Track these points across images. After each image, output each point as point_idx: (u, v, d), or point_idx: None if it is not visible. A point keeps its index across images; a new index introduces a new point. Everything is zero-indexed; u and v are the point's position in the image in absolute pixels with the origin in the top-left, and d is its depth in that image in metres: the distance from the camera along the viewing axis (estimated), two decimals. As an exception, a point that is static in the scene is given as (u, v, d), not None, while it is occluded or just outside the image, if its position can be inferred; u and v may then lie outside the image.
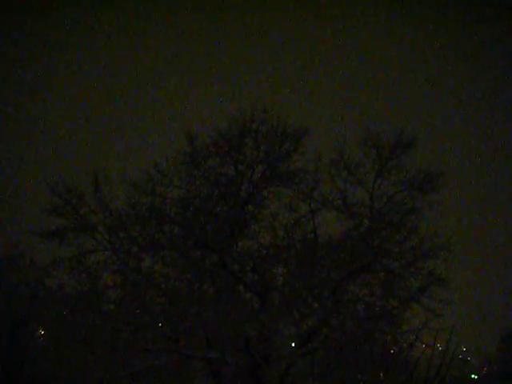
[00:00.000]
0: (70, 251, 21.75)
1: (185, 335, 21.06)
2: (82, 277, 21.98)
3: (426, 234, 21.21)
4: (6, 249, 40.68)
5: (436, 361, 26.77)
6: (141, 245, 20.93)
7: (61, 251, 22.02)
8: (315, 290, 21.22)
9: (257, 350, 21.24)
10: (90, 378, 22.22)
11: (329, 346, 21.63)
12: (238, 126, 20.84)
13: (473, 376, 57.30)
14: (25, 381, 36.07)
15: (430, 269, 21.29)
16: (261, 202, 21.52)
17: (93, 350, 21.86)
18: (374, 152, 21.73)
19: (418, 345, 23.95)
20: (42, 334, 38.07)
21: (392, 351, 23.74)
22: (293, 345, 22.64)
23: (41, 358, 33.75)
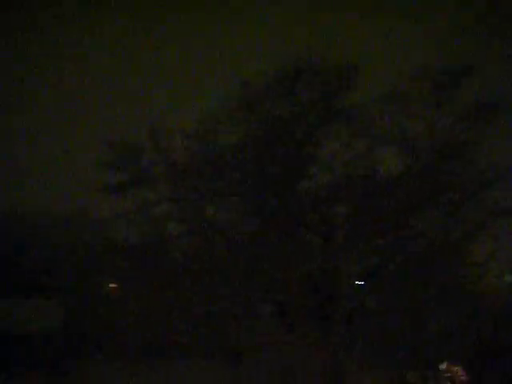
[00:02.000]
0: (132, 203, 22.23)
1: (252, 279, 21.38)
2: (146, 229, 22.46)
3: (486, 165, 20.89)
4: (69, 206, 41.86)
5: (503, 293, 26.62)
6: (202, 193, 21.23)
7: (123, 205, 22.54)
8: (377, 227, 21.18)
9: (323, 290, 21.49)
10: (159, 327, 22.92)
11: (394, 282, 21.67)
12: (290, 67, 20.65)
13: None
14: (97, 335, 37.55)
15: (493, 199, 20.99)
16: (318, 143, 21.44)
17: (161, 299, 22.50)
18: (430, 84, 21.22)
19: (485, 277, 23.82)
20: (111, 288, 39.41)
21: (457, 285, 23.63)
22: (358, 283, 22.77)
23: (112, 312, 35.05)
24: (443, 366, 24.56)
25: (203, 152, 21.28)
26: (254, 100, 20.93)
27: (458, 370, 24.82)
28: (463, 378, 25.00)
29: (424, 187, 20.59)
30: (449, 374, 21.96)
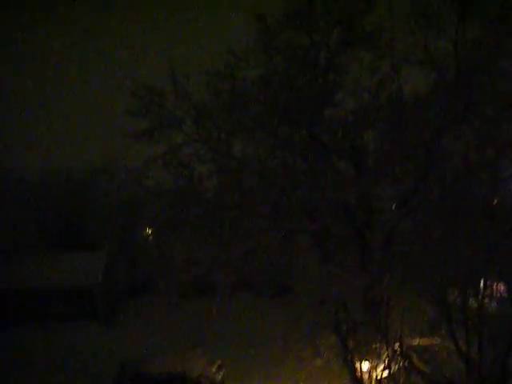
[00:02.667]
0: (161, 149, 22.34)
1: (286, 211, 21.44)
2: (177, 171, 22.59)
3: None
4: (100, 158, 42.41)
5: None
6: (229, 130, 21.16)
7: (152, 151, 22.67)
8: (408, 150, 20.90)
9: (358, 217, 21.46)
10: (196, 267, 23.28)
11: (429, 204, 21.48)
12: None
13: None
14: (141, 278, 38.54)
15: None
16: (341, 68, 21.07)
17: (198, 239, 22.78)
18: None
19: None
20: (150, 233, 40.21)
21: (493, 201, 23.33)
22: (393, 208, 22.67)
23: (151, 256, 35.93)
24: (483, 284, 24.51)
25: (227, 89, 21.13)
26: (272, 32, 20.59)
27: (500, 286, 24.73)
28: (504, 294, 24.92)
29: (454, 104, 20.10)
30: (489, 291, 21.82)
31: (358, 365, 17.72)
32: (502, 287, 24.63)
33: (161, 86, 21.81)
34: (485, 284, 20.13)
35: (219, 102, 21.07)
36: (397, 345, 14.34)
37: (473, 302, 17.65)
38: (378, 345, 19.58)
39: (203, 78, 21.32)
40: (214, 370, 27.50)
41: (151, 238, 40.50)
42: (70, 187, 44.43)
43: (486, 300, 18.24)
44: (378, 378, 15.54)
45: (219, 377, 27.46)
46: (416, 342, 18.56)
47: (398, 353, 15.15)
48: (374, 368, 19.20)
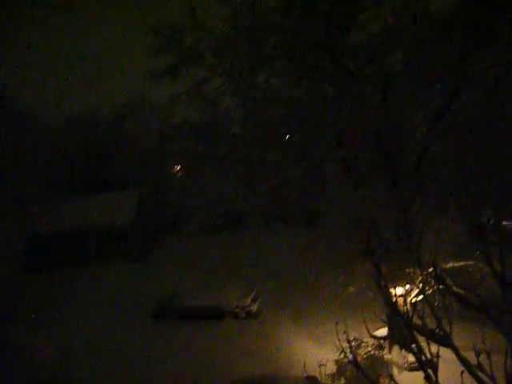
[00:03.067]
0: (185, 85, 22.19)
1: (314, 140, 21.22)
2: (201, 107, 22.44)
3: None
4: (126, 98, 42.31)
5: None
6: (252, 61, 20.79)
7: (177, 89, 22.55)
8: (436, 71, 20.28)
9: (387, 141, 21.12)
10: (226, 201, 23.34)
11: (460, 124, 21.00)
12: None
13: None
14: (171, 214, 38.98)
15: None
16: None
17: (227, 173, 22.76)
18: None
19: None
20: (178, 170, 40.36)
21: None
22: (423, 130, 22.22)
23: (181, 193, 36.14)
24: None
25: (247, 19, 20.66)
26: None
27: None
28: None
29: (484, 18, 19.29)
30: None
31: (392, 290, 17.78)
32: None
33: (181, 22, 21.51)
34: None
35: (240, 33, 20.65)
36: (430, 269, 14.26)
37: (507, 223, 17.43)
38: (411, 269, 19.62)
39: (223, 10, 20.90)
40: (249, 301, 28.01)
41: (180, 174, 40.74)
42: (99, 130, 44.66)
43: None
44: (413, 302, 15.58)
45: (254, 308, 27.99)
46: (450, 264, 18.51)
47: (431, 276, 15.10)
48: (408, 293, 19.28)
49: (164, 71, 22.01)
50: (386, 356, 21.39)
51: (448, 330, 11.85)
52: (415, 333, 12.52)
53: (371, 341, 20.97)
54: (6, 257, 25.79)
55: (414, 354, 12.19)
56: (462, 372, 10.92)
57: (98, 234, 36.91)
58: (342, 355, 17.25)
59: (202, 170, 24.47)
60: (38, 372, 21.90)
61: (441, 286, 14.52)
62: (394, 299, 14.23)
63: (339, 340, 13.38)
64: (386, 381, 16.09)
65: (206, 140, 23.07)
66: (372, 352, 20.51)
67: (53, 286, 32.59)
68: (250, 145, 21.71)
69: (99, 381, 23.43)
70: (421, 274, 14.96)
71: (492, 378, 10.66)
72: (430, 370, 11.41)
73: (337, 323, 14.05)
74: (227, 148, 22.32)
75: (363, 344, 20.32)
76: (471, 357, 10.95)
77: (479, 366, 10.87)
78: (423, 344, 11.92)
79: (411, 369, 21.17)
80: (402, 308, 15.06)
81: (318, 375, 14.96)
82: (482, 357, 10.82)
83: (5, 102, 40.51)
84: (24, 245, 28.42)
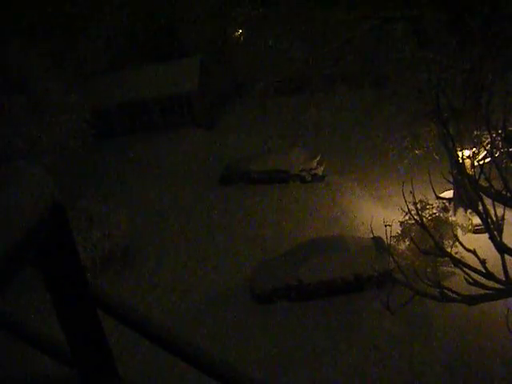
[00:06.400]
0: None
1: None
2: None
3: None
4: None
5: None
6: None
7: None
8: None
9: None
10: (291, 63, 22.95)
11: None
12: None
13: None
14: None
15: None
16: None
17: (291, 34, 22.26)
18: None
19: None
20: (241, 34, 39.80)
21: None
22: None
23: (244, 57, 35.84)
24: None
25: None
26: None
27: None
28: None
29: None
30: None
31: (459, 153, 17.66)
32: None
33: None
34: None
35: None
36: (499, 131, 14.01)
37: None
38: (479, 132, 19.30)
39: None
40: (314, 164, 28.31)
41: (242, 39, 39.96)
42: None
43: None
44: (480, 164, 15.48)
45: (320, 171, 28.32)
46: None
47: (500, 138, 14.87)
48: (475, 155, 19.11)
49: None
50: (450, 218, 21.64)
51: (515, 191, 11.86)
52: (481, 194, 12.58)
53: (436, 203, 21.16)
54: (74, 130, 26.35)
55: (480, 216, 12.32)
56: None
57: (161, 103, 37.15)
58: (408, 216, 17.64)
59: (265, 33, 24.02)
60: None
61: (510, 149, 14.33)
62: (461, 161, 14.13)
63: (405, 201, 13.59)
64: (450, 242, 16.38)
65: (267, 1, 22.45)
66: (437, 214, 20.76)
67: (120, 155, 33.36)
68: (314, 4, 21.04)
69: (168, 245, 24.66)
70: (489, 136, 14.72)
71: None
72: (495, 232, 11.57)
73: (403, 183, 14.21)
74: (290, 8, 21.71)
75: (428, 206, 20.55)
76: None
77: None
78: (489, 207, 12.00)
79: (475, 231, 21.43)
80: (468, 170, 15.05)
81: (383, 236, 15.32)
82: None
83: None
84: (90, 117, 28.96)
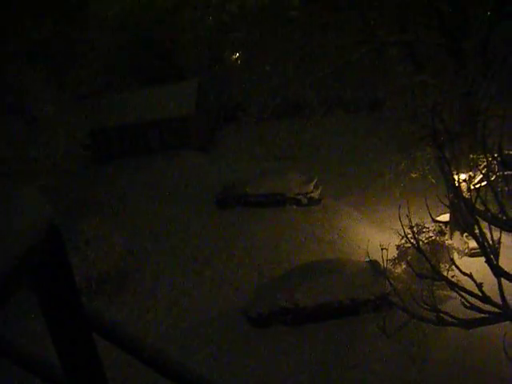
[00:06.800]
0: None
1: (376, 24, 20.58)
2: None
3: None
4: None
5: None
6: None
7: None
8: None
9: (451, 23, 20.29)
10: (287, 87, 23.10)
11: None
12: None
13: None
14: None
15: None
16: None
17: (288, 59, 22.43)
18: None
19: None
20: (237, 57, 40.08)
21: None
22: (488, 12, 21.17)
23: (241, 81, 36.10)
24: None
25: None
26: None
27: None
28: None
29: None
30: None
31: (455, 176, 17.71)
32: None
33: None
34: None
35: None
36: (495, 154, 14.04)
37: None
38: (475, 156, 19.36)
39: None
40: (311, 187, 28.33)
41: (239, 62, 40.25)
42: (155, 22, 43.84)
43: None
44: (476, 187, 15.49)
45: (316, 194, 28.32)
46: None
47: (496, 162, 14.90)
48: (471, 178, 19.15)
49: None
50: (447, 241, 21.63)
51: (511, 215, 11.85)
52: (478, 218, 12.57)
53: (433, 226, 21.17)
54: (70, 151, 26.40)
55: (476, 239, 12.30)
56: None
57: (159, 126, 37.24)
58: (404, 240, 17.61)
59: (262, 57, 24.17)
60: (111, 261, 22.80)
61: (506, 172, 14.36)
62: (457, 184, 14.15)
63: (401, 225, 13.58)
64: (447, 265, 16.35)
65: (265, 24, 22.61)
66: (433, 237, 20.76)
67: (117, 177, 33.40)
68: (311, 29, 21.22)
69: (165, 267, 24.59)
70: (485, 160, 14.75)
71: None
72: (491, 255, 11.54)
73: (399, 207, 14.22)
74: (287, 33, 21.88)
75: (425, 229, 20.55)
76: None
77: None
78: (485, 230, 11.97)
79: (472, 254, 21.40)
80: (465, 193, 15.06)
81: (379, 259, 15.30)
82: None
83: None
84: (87, 139, 28.99)
